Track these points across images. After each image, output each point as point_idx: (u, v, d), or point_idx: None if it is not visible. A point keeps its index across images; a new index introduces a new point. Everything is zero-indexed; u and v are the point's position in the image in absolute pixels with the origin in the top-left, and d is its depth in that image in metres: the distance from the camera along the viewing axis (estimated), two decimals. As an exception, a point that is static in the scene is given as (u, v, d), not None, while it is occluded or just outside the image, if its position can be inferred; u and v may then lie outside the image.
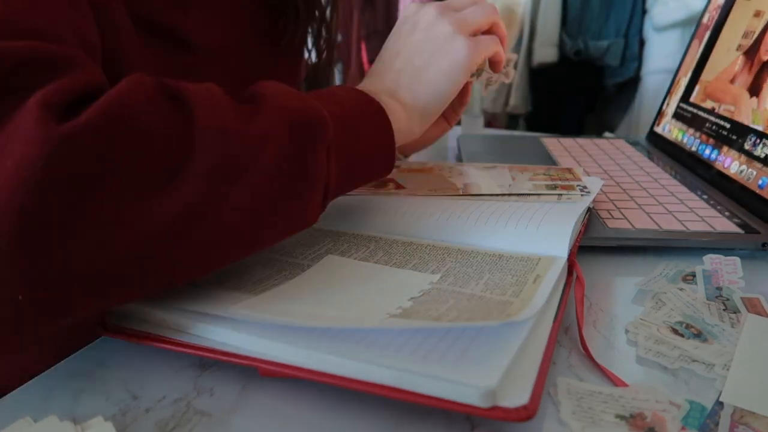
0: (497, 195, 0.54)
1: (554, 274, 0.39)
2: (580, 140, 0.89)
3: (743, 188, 0.60)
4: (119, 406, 0.31)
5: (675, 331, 0.37)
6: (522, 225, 0.46)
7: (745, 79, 0.68)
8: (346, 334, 0.31)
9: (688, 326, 0.38)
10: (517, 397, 0.27)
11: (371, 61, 1.95)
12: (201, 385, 0.32)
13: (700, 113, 0.77)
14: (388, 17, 1.93)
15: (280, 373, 0.31)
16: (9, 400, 0.31)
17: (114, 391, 0.32)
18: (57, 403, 0.31)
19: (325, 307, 0.35)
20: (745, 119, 0.65)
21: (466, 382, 0.27)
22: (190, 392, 0.32)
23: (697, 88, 0.81)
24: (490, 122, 1.97)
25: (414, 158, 0.73)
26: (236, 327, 0.33)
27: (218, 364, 0.34)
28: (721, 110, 0.71)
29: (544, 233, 0.44)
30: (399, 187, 0.57)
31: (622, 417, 0.29)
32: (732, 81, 0.71)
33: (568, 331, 0.38)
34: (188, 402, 0.31)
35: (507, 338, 0.31)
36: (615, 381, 0.33)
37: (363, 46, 1.98)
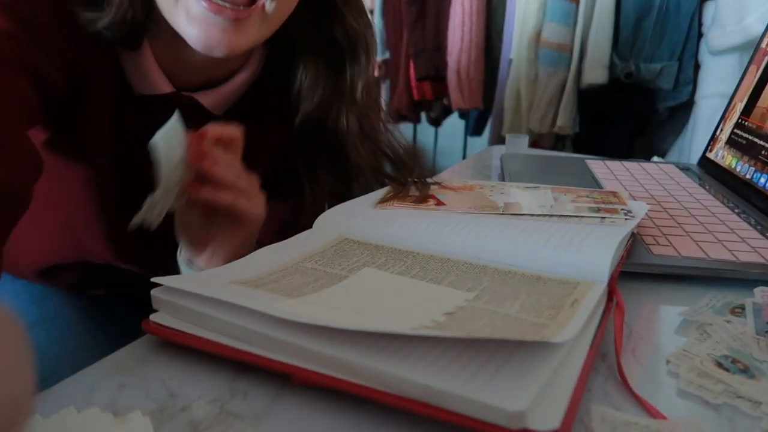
0: (538, 215, 0.53)
1: (593, 298, 0.38)
2: (627, 164, 0.87)
3: (800, 220, 0.58)
4: (157, 403, 0.32)
5: (720, 365, 0.36)
6: (561, 247, 0.45)
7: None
8: (380, 345, 0.31)
9: (734, 361, 0.36)
10: (548, 421, 0.27)
11: (419, 79, 1.97)
12: (236, 388, 0.33)
13: (756, 140, 0.74)
14: (437, 35, 1.94)
15: (313, 381, 0.32)
16: (57, 390, 0.33)
17: (153, 387, 0.33)
18: (100, 395, 0.32)
19: (360, 315, 0.35)
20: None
21: (496, 403, 0.27)
22: (225, 394, 0.33)
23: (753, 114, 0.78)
24: (535, 142, 1.94)
25: (456, 176, 0.73)
26: (272, 330, 0.33)
27: (253, 368, 0.34)
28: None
29: (583, 256, 0.44)
30: (439, 203, 0.57)
31: (658, 450, 0.28)
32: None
33: (606, 358, 0.37)
34: (222, 404, 0.32)
35: (540, 361, 0.30)
36: (652, 412, 0.32)
37: (411, 64, 2.00)
